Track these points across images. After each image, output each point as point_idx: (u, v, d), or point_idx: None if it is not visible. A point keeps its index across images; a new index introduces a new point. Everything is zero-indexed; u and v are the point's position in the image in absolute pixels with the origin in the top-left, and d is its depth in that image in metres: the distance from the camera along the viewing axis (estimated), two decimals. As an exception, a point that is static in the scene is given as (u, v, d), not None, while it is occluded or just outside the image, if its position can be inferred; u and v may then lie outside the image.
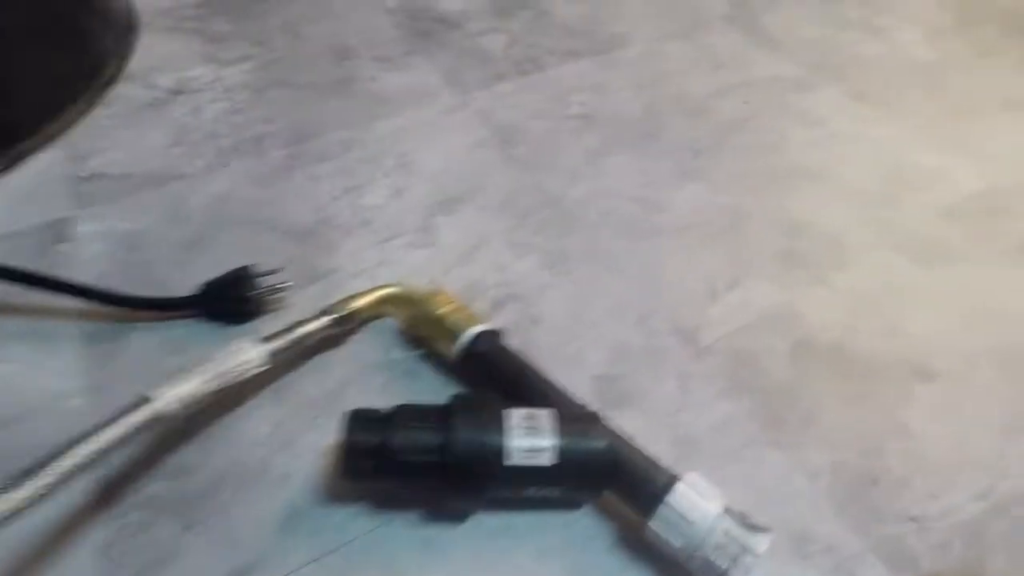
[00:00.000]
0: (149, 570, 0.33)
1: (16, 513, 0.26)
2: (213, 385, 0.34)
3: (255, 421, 0.39)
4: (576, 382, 0.41)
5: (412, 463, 0.33)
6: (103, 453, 0.29)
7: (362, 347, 0.43)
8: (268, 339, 0.38)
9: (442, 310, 0.41)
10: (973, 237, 0.53)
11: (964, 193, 0.57)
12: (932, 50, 0.76)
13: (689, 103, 0.67)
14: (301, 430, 0.39)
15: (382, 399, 0.36)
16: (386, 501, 0.36)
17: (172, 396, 0.32)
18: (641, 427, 0.40)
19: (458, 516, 0.35)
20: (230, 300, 0.43)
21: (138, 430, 0.31)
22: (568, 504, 0.36)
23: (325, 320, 0.40)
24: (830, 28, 0.80)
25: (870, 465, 0.38)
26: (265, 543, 0.34)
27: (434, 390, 0.41)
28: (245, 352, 0.36)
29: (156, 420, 0.31)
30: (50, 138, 0.59)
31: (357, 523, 0.35)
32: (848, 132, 0.64)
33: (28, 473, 0.27)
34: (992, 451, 0.40)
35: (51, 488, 0.27)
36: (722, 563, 0.30)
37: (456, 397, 0.35)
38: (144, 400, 0.31)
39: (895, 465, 0.38)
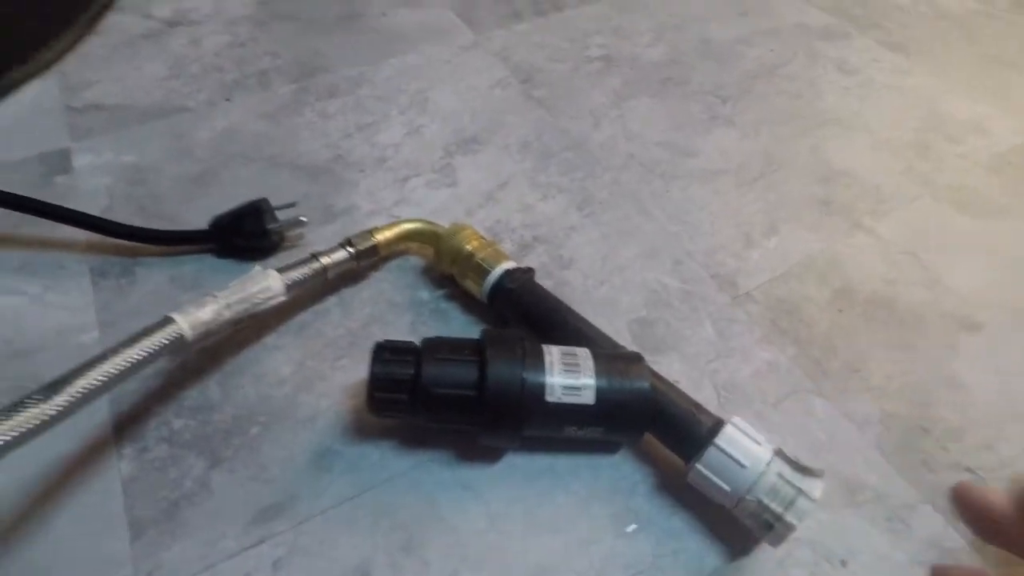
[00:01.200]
0: (177, 505, 0.31)
1: (46, 425, 0.24)
2: (234, 312, 0.32)
3: (277, 360, 0.37)
4: (611, 326, 0.39)
5: (447, 397, 0.31)
6: (128, 371, 0.27)
7: (386, 286, 0.41)
8: (286, 269, 0.36)
9: (471, 246, 0.39)
10: (1016, 190, 0.51)
11: (1004, 145, 0.55)
12: (965, 1, 0.73)
13: (713, 49, 0.64)
14: (325, 370, 0.37)
15: (410, 339, 0.34)
16: (417, 439, 0.34)
17: (194, 318, 0.30)
18: (680, 372, 0.38)
19: (492, 455, 0.33)
20: (244, 234, 0.41)
21: (161, 351, 0.28)
22: (606, 446, 0.34)
23: (346, 252, 0.38)
24: (859, -23, 0.76)
25: (920, 415, 0.37)
26: (297, 481, 0.32)
27: (465, 331, 0.39)
28: (264, 279, 0.34)
29: (179, 342, 0.29)
30: (41, 67, 0.55)
31: (391, 462, 0.33)
32: (882, 81, 0.61)
33: (55, 386, 0.25)
34: (1041, 401, 0.38)
35: (78, 403, 0.25)
36: (776, 507, 0.29)
37: (488, 331, 0.33)
38: (168, 320, 0.29)
39: (946, 415, 0.37)
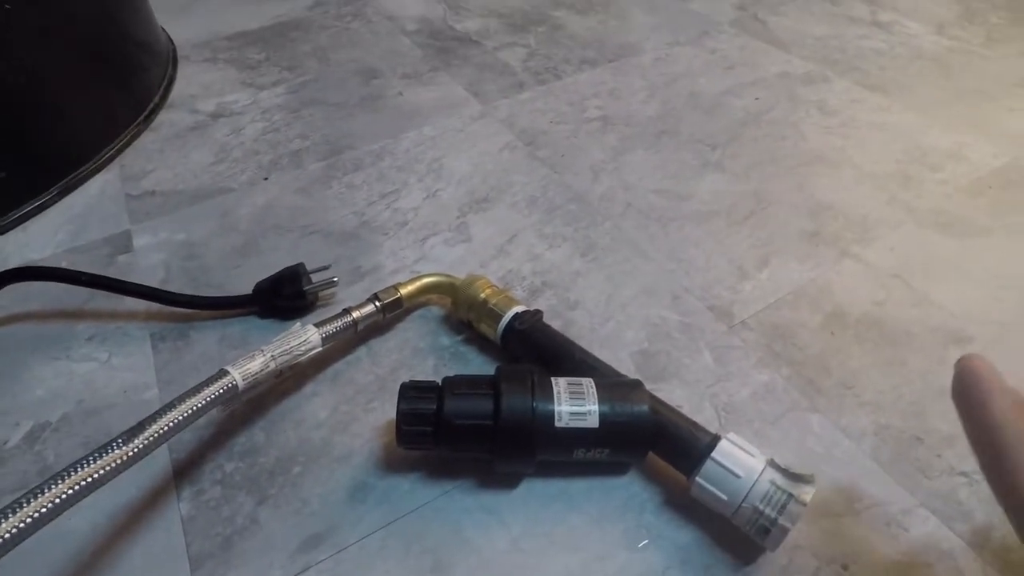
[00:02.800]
0: (231, 540, 0.35)
1: (129, 463, 0.28)
2: (278, 363, 0.37)
3: (314, 406, 0.41)
4: (617, 358, 0.43)
5: (467, 427, 0.34)
6: (191, 416, 0.31)
7: (410, 334, 0.45)
8: (322, 324, 0.40)
9: (484, 294, 0.43)
10: (996, 211, 0.54)
11: (983, 170, 0.58)
12: (940, 40, 0.78)
13: (703, 102, 0.69)
14: (357, 413, 0.41)
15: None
16: (441, 470, 0.37)
17: (245, 370, 0.34)
18: (683, 397, 0.41)
19: (511, 481, 0.37)
20: (282, 297, 0.46)
21: (218, 399, 0.33)
22: (615, 467, 0.37)
23: (373, 305, 0.42)
24: (836, 26, 0.82)
25: (913, 425, 0.39)
26: (335, 513, 0.36)
27: (483, 371, 0.42)
28: (304, 333, 0.38)
29: (232, 391, 0.33)
30: (105, 162, 0.63)
31: (419, 492, 0.36)
32: (862, 120, 0.65)
33: (134, 432, 0.29)
34: (1033, 408, 0.40)
35: (153, 444, 0.29)
36: (771, 512, 0.31)
37: (502, 367, 0.37)
38: (223, 373, 0.34)
39: (939, 424, 0.39)
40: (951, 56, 0.75)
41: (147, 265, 0.52)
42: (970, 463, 0.37)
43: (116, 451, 0.28)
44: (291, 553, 0.34)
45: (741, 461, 0.32)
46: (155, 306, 0.48)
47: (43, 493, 0.26)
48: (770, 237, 0.52)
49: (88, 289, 0.48)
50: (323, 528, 0.35)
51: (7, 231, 0.56)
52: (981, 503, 0.36)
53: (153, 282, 0.50)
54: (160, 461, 0.39)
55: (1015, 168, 0.58)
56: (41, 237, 0.55)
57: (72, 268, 0.49)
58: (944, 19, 0.83)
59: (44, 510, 0.25)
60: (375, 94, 0.72)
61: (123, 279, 0.47)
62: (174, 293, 0.47)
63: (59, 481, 0.26)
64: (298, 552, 0.34)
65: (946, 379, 0.41)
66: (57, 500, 0.26)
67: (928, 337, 0.44)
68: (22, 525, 0.24)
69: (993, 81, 0.70)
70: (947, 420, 0.39)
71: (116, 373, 0.44)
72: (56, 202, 0.59)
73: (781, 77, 0.72)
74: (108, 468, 0.28)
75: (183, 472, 0.38)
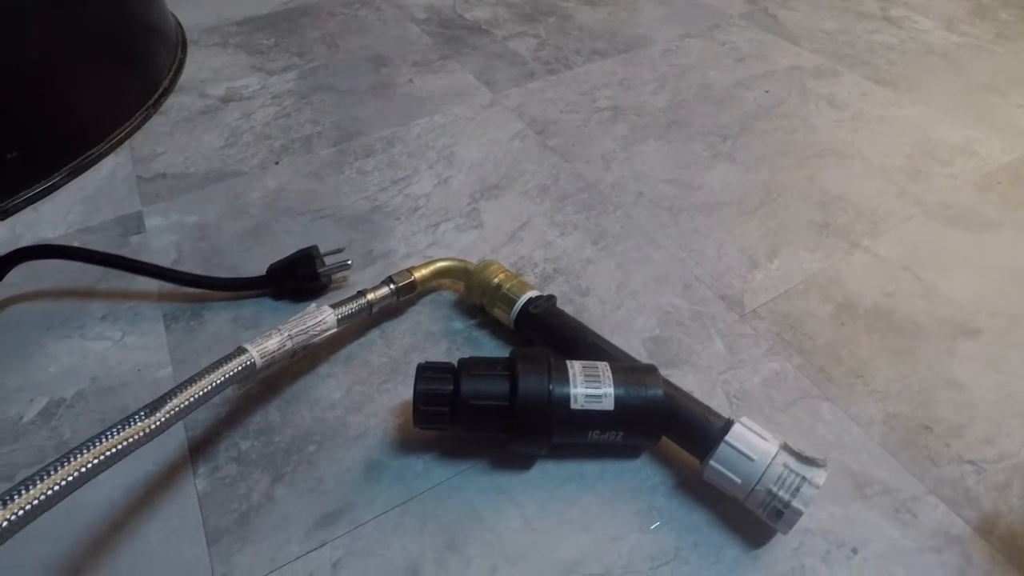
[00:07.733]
0: (247, 516, 0.35)
1: (151, 436, 0.29)
2: (295, 342, 0.37)
3: (329, 386, 0.41)
4: (628, 344, 0.43)
5: (484, 408, 0.35)
6: (211, 392, 0.32)
7: (423, 318, 0.46)
8: (338, 305, 0.40)
9: (498, 279, 0.43)
10: (1005, 205, 0.54)
11: (992, 165, 0.59)
12: (950, 36, 0.78)
13: (713, 94, 0.69)
14: (372, 393, 0.41)
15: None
16: (456, 450, 0.38)
17: (263, 348, 0.34)
18: (694, 384, 0.41)
19: (524, 462, 0.37)
20: (296, 278, 0.46)
21: (237, 376, 0.33)
22: (627, 451, 0.37)
23: (388, 288, 0.43)
24: (846, 20, 0.82)
25: (922, 414, 0.40)
26: (351, 491, 0.36)
27: (496, 354, 0.43)
28: (320, 314, 0.39)
29: (250, 368, 0.34)
30: (115, 145, 0.63)
31: (433, 472, 0.37)
32: (872, 113, 0.66)
33: (156, 405, 0.29)
34: (1040, 399, 0.41)
35: (174, 418, 0.30)
36: (784, 495, 0.32)
37: (518, 350, 0.37)
38: (241, 350, 0.34)
39: (947, 414, 0.40)
40: (961, 52, 0.75)
41: (159, 246, 0.52)
42: (978, 452, 0.38)
43: (139, 423, 0.28)
44: (307, 529, 0.35)
45: (755, 445, 0.33)
46: (168, 286, 0.48)
47: (69, 462, 0.26)
48: (780, 228, 0.53)
49: (101, 268, 0.48)
50: (339, 506, 0.36)
51: (19, 211, 0.56)
52: (988, 491, 0.36)
53: (165, 263, 0.50)
54: (176, 438, 0.39)
55: (1022, 165, 0.58)
56: (52, 218, 0.55)
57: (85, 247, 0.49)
58: (954, 15, 0.83)
59: (71, 478, 0.25)
60: (385, 81, 0.72)
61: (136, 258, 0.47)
62: (188, 273, 0.47)
63: (84, 451, 0.26)
64: (315, 528, 0.35)
65: (955, 369, 0.42)
66: (84, 469, 0.26)
67: (936, 328, 0.45)
68: (50, 492, 0.25)
69: (1003, 77, 0.70)
70: (955, 410, 0.40)
71: (129, 352, 0.44)
72: (67, 183, 0.59)
73: (791, 70, 0.73)
74: (131, 440, 0.28)
75: (199, 449, 0.39)
